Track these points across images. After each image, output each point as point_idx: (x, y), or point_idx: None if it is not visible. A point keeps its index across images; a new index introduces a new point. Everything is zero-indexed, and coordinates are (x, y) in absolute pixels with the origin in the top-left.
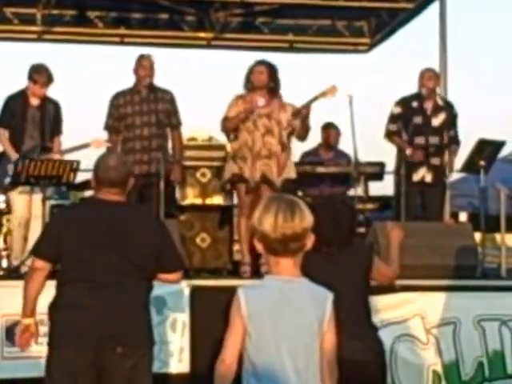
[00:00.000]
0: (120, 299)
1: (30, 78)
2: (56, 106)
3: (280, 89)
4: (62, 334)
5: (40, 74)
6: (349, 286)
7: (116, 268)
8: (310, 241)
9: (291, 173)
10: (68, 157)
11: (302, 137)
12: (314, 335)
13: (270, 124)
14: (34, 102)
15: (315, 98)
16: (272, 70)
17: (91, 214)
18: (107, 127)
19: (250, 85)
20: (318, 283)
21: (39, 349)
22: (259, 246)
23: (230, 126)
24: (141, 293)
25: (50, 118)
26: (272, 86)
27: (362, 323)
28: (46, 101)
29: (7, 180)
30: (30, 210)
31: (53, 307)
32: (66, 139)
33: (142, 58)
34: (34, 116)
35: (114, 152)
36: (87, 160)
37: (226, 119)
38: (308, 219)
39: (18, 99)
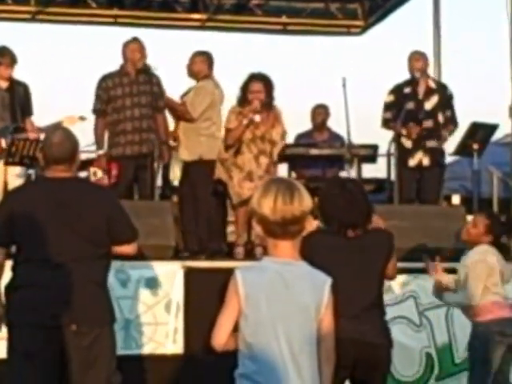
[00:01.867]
0: (74, 277)
1: None
2: (25, 88)
3: (274, 101)
4: (16, 315)
5: (3, 55)
6: (367, 271)
7: (69, 245)
8: (309, 224)
9: None
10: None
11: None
12: (310, 318)
13: (264, 146)
14: (3, 84)
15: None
16: (269, 84)
17: (40, 193)
18: (95, 110)
19: (245, 101)
20: (338, 264)
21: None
22: (258, 228)
23: (234, 137)
24: (96, 270)
25: (20, 99)
26: (269, 102)
27: (375, 308)
28: (14, 83)
29: None
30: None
31: (8, 288)
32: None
33: (133, 41)
34: (3, 98)
35: (59, 128)
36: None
37: (228, 131)
38: (307, 202)
39: None
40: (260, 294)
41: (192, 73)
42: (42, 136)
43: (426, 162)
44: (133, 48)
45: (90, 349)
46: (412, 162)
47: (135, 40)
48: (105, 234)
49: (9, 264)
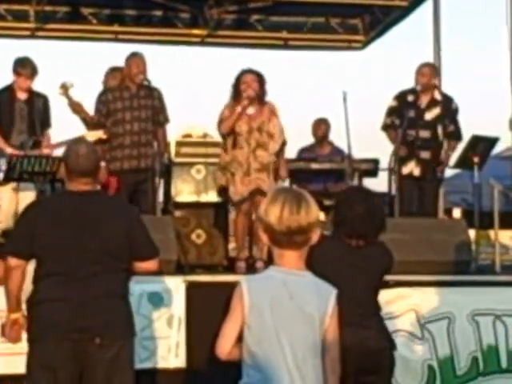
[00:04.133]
0: (96, 291)
1: (15, 71)
2: (44, 100)
3: (267, 96)
4: (39, 329)
5: (24, 66)
6: (368, 280)
7: (90, 259)
8: (315, 234)
9: (282, 172)
10: (59, 151)
11: None
12: (314, 329)
13: (262, 138)
14: (21, 96)
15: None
16: (261, 78)
17: (62, 207)
18: (93, 124)
19: (239, 95)
20: (340, 270)
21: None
22: (264, 237)
23: (227, 125)
24: (117, 283)
25: (39, 111)
26: (261, 94)
27: (374, 314)
28: (33, 95)
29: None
30: (16, 206)
31: (30, 303)
32: (58, 134)
33: (135, 55)
34: (21, 110)
35: (83, 140)
36: None
37: (220, 121)
38: (314, 213)
39: (5, 94)
40: (264, 303)
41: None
42: (55, 152)
43: (416, 172)
44: (132, 62)
45: (112, 362)
46: (405, 171)
47: (135, 54)
48: (126, 249)
49: (29, 278)
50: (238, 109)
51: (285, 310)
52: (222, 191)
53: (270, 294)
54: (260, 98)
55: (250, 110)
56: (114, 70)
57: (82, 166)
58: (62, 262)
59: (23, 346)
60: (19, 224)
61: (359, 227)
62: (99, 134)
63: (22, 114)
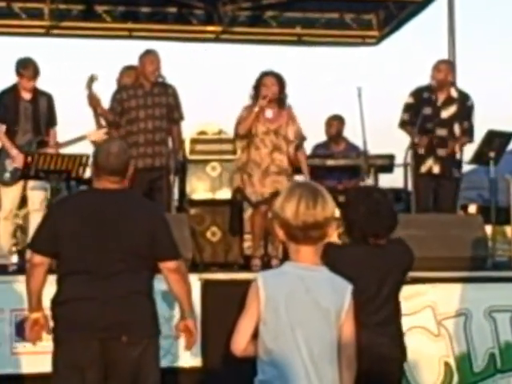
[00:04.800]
0: (120, 289)
1: (17, 72)
2: (49, 99)
3: (287, 99)
4: (65, 329)
5: (26, 67)
6: (388, 281)
7: (114, 257)
8: (331, 230)
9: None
10: (66, 150)
11: None
12: (330, 324)
13: (278, 141)
14: (26, 95)
15: (82, 138)
16: (282, 81)
17: (87, 205)
18: (109, 122)
19: (259, 97)
20: (360, 273)
21: (48, 344)
22: (280, 233)
23: (245, 126)
24: (141, 281)
25: (44, 110)
26: (281, 98)
27: (393, 320)
28: (37, 94)
29: (7, 176)
30: (16, 204)
31: (54, 302)
32: (72, 133)
33: (149, 53)
34: (26, 109)
35: (115, 139)
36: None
37: (238, 122)
38: (330, 208)
39: (10, 93)
40: (280, 298)
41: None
42: (61, 151)
43: (436, 169)
44: (146, 60)
45: (139, 360)
46: (423, 169)
47: (149, 52)
48: (149, 248)
49: (52, 278)
50: (256, 108)
51: (301, 305)
52: (238, 192)
53: (285, 290)
54: (280, 101)
55: (269, 113)
56: (128, 69)
57: (112, 165)
58: (86, 260)
59: (45, 345)
60: (44, 221)
61: (366, 227)
62: (100, 133)
63: (26, 114)
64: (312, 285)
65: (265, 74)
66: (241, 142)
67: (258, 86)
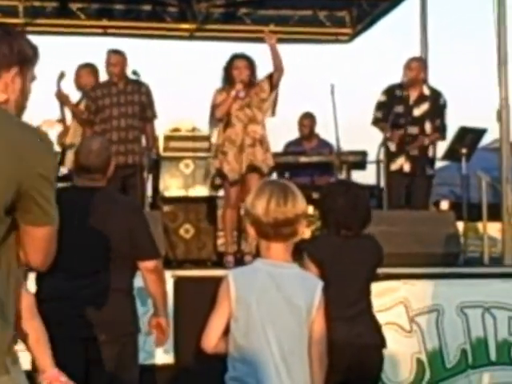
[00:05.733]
0: (100, 287)
1: None
2: None
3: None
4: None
5: None
6: (360, 273)
7: (94, 255)
8: (302, 227)
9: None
10: None
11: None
12: (301, 321)
13: (252, 112)
14: None
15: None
16: (253, 64)
17: (66, 202)
18: (83, 120)
19: (230, 79)
20: (334, 265)
21: None
22: (251, 230)
23: (222, 110)
24: (121, 279)
25: None
26: (252, 81)
27: (367, 310)
28: None
29: None
30: None
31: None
32: None
33: (110, 53)
34: None
35: (97, 137)
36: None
37: (215, 106)
38: (301, 205)
39: None
40: (251, 295)
41: (79, 86)
42: None
43: (406, 168)
44: (108, 62)
45: (117, 357)
46: (394, 167)
47: (111, 52)
48: (128, 246)
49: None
50: (233, 93)
51: (272, 302)
52: (218, 175)
53: (256, 287)
54: (250, 84)
55: (241, 94)
56: (84, 67)
57: (93, 163)
58: (66, 258)
59: None
60: None
61: (343, 219)
62: (53, 121)
63: None
64: (283, 282)
65: (236, 57)
66: (217, 127)
67: (228, 69)
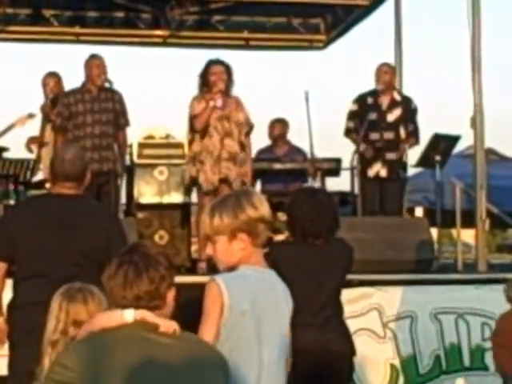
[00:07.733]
0: None
1: None
2: None
3: (234, 86)
4: (21, 333)
5: None
6: (329, 280)
7: (70, 261)
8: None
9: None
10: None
11: None
12: (286, 326)
13: (230, 126)
14: None
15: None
16: (229, 69)
17: (42, 209)
18: (55, 127)
19: (207, 86)
20: (303, 273)
21: (5, 347)
22: (209, 249)
23: (202, 121)
24: (96, 286)
25: None
26: (228, 86)
27: (336, 317)
28: None
29: None
30: None
31: (11, 307)
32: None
33: (94, 57)
34: None
35: (72, 145)
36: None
37: (194, 117)
38: (261, 210)
39: None
40: (244, 302)
41: (46, 93)
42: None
43: (383, 173)
44: (92, 64)
45: None
46: (370, 173)
47: (94, 56)
48: (104, 252)
49: (9, 282)
50: (211, 103)
51: (264, 308)
52: (192, 183)
53: (249, 293)
54: (227, 90)
55: (218, 102)
56: (50, 75)
57: (67, 171)
58: (42, 264)
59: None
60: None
61: (310, 226)
62: (24, 118)
63: None
64: (270, 288)
65: (212, 63)
66: (196, 134)
67: (205, 74)
